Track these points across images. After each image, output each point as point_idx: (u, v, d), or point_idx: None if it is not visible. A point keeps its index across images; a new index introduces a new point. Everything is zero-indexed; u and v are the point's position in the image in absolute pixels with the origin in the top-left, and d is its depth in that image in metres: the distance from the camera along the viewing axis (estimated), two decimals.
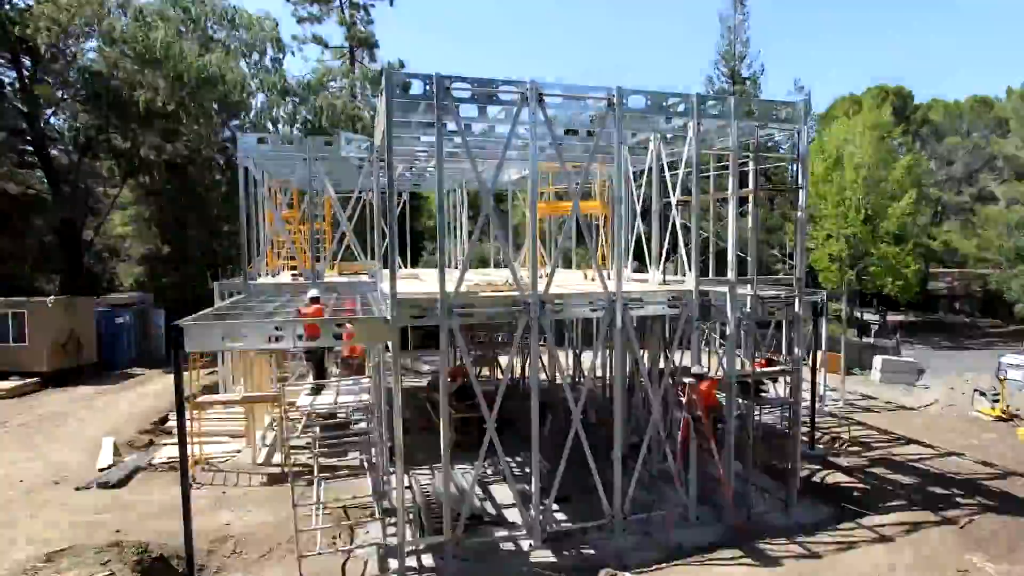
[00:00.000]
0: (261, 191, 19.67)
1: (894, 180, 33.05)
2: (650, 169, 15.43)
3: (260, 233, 19.82)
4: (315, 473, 12.10)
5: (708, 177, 16.17)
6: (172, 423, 17.00)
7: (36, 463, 15.94)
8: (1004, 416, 20.89)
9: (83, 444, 17.37)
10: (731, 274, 13.17)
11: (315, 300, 12.96)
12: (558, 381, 13.22)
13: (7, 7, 32.09)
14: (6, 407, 21.36)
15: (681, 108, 12.61)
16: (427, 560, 11.48)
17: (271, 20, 37.01)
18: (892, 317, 46.21)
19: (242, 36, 36.66)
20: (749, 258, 13.45)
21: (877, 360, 27.96)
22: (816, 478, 15.70)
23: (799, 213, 13.79)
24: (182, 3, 34.63)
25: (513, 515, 12.98)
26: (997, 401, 21.47)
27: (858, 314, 40.16)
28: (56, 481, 14.76)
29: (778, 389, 16.54)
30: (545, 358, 18.03)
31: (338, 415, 13.13)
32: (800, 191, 13.61)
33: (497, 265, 25.01)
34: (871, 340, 34.57)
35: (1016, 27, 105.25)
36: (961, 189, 55.81)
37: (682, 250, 14.39)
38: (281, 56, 37.98)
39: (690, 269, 13.23)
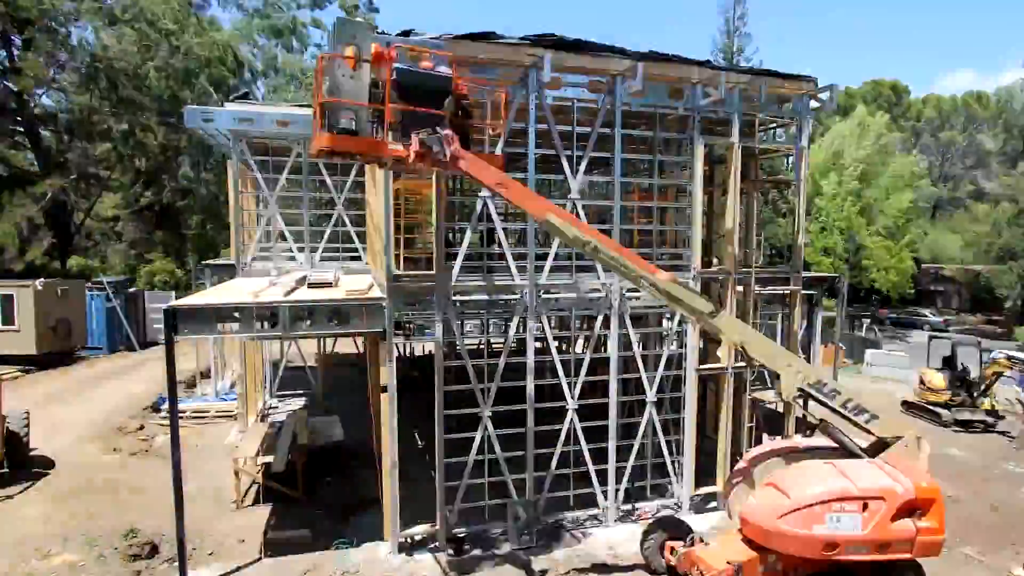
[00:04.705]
0: (256, 173, 19.33)
1: (890, 176, 33.22)
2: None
3: (253, 216, 19.53)
4: None
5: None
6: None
7: None
8: (992, 412, 20.98)
9: None
10: (732, 265, 13.15)
11: None
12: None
13: None
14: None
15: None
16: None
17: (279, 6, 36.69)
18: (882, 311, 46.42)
19: (244, 18, 36.26)
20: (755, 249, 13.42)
21: (868, 353, 28.19)
22: None
23: (799, 205, 13.79)
24: None
25: None
26: (986, 396, 21.54)
27: (850, 308, 40.33)
28: None
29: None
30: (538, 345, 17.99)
31: None
32: (800, 183, 13.62)
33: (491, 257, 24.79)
34: (863, 334, 34.76)
35: (1013, 23, 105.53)
36: (955, 184, 56.05)
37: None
38: (291, 43, 37.68)
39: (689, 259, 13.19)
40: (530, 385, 11.86)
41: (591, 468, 12.43)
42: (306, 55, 43.86)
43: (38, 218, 34.42)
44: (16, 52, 33.40)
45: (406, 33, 10.26)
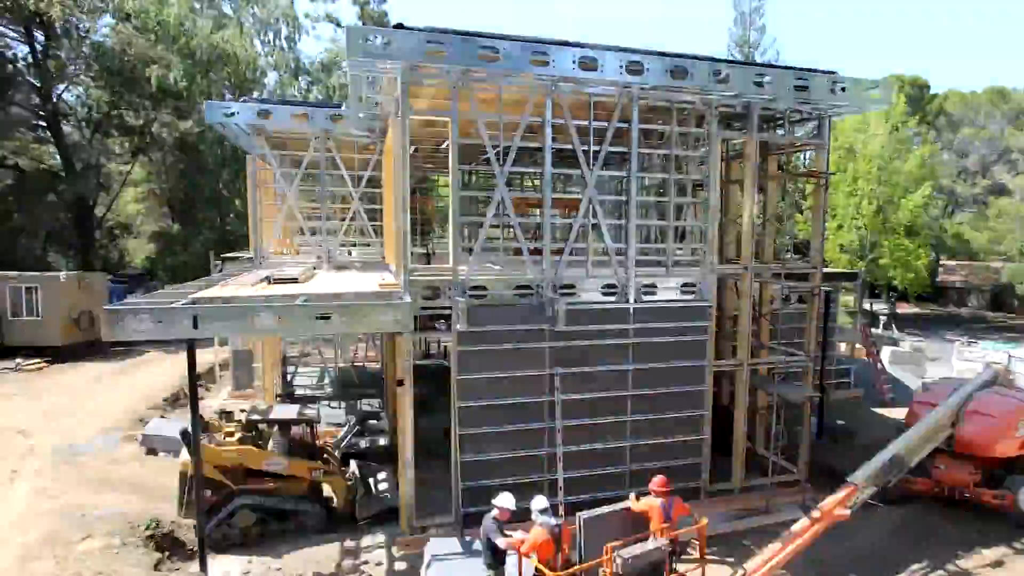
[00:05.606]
0: (272, 168, 19.45)
1: (908, 171, 32.71)
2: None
3: (267, 211, 19.63)
4: None
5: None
6: None
7: None
8: None
9: None
10: (749, 260, 13.08)
11: None
12: None
13: None
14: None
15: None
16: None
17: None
18: (901, 309, 45.92)
19: (255, 13, 36.44)
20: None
21: (886, 351, 27.80)
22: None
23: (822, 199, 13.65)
24: None
25: None
26: None
27: (867, 305, 39.92)
28: None
29: None
30: None
31: None
32: (825, 176, 13.49)
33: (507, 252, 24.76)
34: (880, 331, 34.37)
35: None
36: (975, 181, 55.12)
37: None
38: (296, 36, 37.78)
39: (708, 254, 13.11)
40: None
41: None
42: (319, 48, 44.16)
43: (61, 211, 34.88)
44: (39, 47, 33.81)
45: (399, 26, 10.19)
